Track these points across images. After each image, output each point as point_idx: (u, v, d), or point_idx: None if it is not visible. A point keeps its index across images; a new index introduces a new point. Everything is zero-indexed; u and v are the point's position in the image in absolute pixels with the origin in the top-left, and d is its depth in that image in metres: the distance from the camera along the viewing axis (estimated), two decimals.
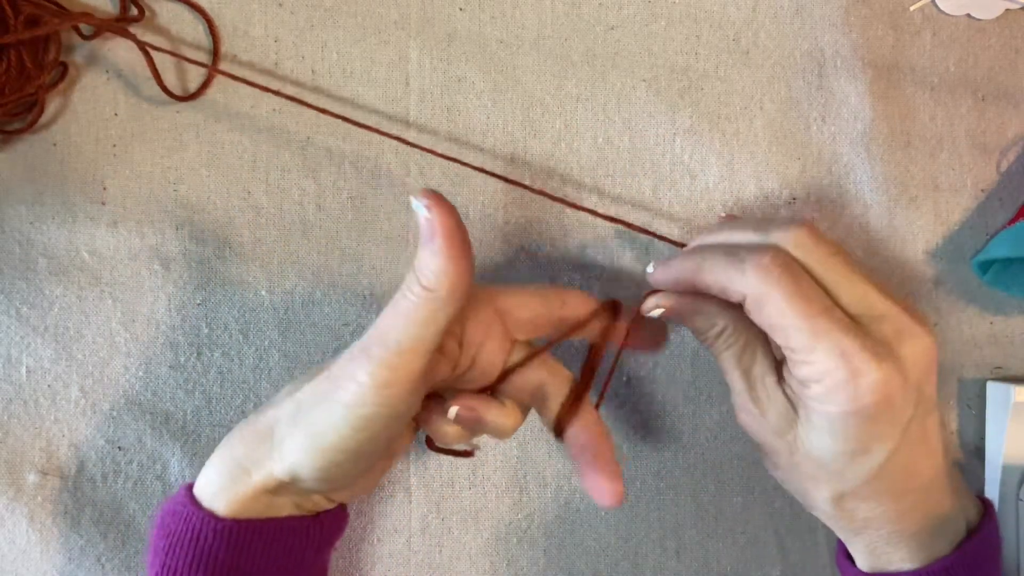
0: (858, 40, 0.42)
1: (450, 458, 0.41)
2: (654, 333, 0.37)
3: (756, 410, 0.33)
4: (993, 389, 0.42)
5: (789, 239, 0.32)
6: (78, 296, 0.40)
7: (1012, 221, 0.41)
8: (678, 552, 0.43)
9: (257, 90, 0.40)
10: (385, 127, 0.41)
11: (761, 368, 0.33)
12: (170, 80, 0.40)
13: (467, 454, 0.39)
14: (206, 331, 0.40)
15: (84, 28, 0.39)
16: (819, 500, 0.33)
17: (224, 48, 0.40)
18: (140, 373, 0.40)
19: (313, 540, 0.36)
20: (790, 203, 0.42)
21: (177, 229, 0.40)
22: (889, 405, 0.30)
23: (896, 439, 0.31)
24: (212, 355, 0.40)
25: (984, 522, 0.34)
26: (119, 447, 0.40)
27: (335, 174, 0.41)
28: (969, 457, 0.43)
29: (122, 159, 0.40)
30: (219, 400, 0.41)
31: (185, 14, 0.40)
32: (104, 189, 0.40)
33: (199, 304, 0.40)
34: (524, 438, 0.42)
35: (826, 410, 0.31)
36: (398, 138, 0.38)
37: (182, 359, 0.40)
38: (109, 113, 0.40)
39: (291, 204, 0.41)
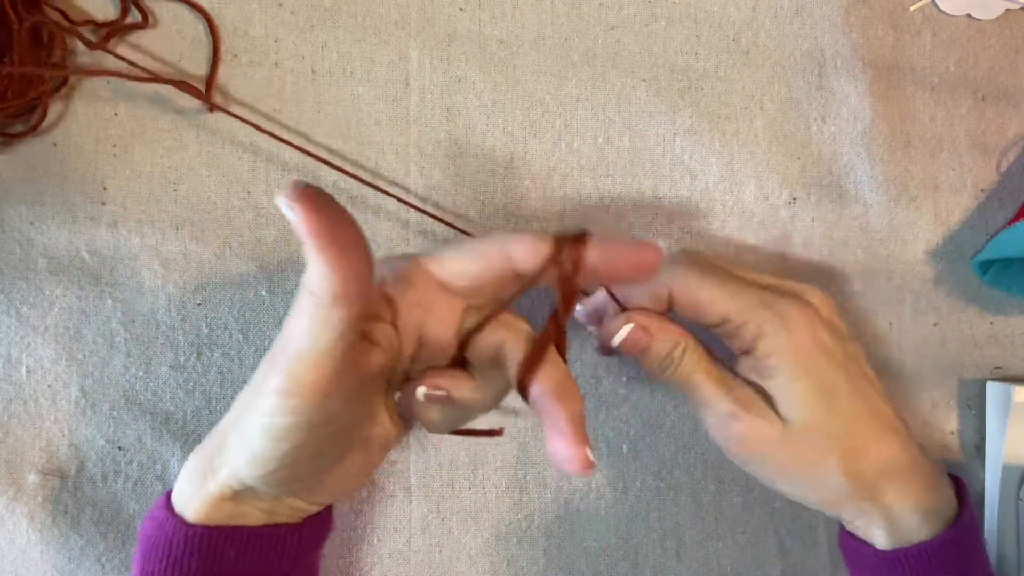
0: (858, 40, 0.42)
1: (450, 457, 0.41)
2: (634, 265, 0.31)
3: (741, 412, 0.35)
4: (993, 389, 0.42)
5: (679, 267, 0.35)
6: (78, 296, 0.40)
7: (1012, 221, 0.41)
8: (678, 552, 0.43)
9: (257, 90, 0.40)
10: (385, 127, 0.41)
11: (727, 373, 0.36)
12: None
13: (492, 433, 0.36)
14: (206, 331, 0.40)
15: (88, 32, 0.39)
16: (829, 476, 0.34)
17: (224, 48, 0.40)
18: (140, 373, 0.40)
19: (290, 549, 0.35)
20: (790, 203, 0.42)
21: (177, 229, 0.40)
22: (818, 337, 0.34)
23: (844, 371, 0.35)
24: (212, 355, 0.40)
25: (962, 493, 0.37)
26: (119, 447, 0.40)
27: (335, 174, 0.41)
28: (969, 457, 0.43)
29: (122, 159, 0.40)
30: (219, 400, 0.41)
31: (185, 14, 0.40)
32: (104, 189, 0.40)
33: (199, 304, 0.40)
34: (524, 438, 0.42)
35: (778, 360, 0.34)
36: (390, 194, 0.38)
37: (182, 359, 0.40)
38: (109, 113, 0.40)
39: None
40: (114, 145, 0.40)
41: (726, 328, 0.35)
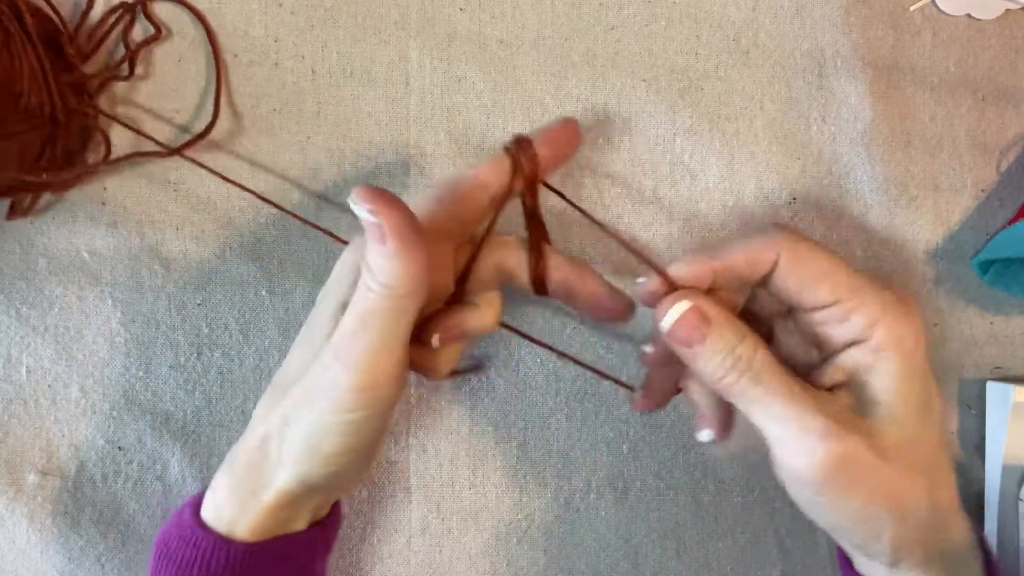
0: (858, 40, 0.42)
1: (450, 457, 0.41)
2: (569, 139, 0.36)
3: (839, 426, 0.28)
4: (993, 389, 0.42)
5: (787, 233, 0.32)
6: (78, 296, 0.40)
7: (1012, 221, 0.41)
8: (678, 552, 0.43)
9: (257, 90, 0.40)
10: (385, 127, 0.41)
11: (802, 383, 0.30)
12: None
13: (478, 369, 0.38)
14: (206, 331, 0.40)
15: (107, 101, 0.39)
16: (918, 505, 0.29)
17: (224, 48, 0.40)
18: (140, 373, 0.40)
19: (320, 549, 0.36)
20: (790, 203, 0.42)
21: (177, 229, 0.40)
22: (923, 352, 0.29)
23: (936, 390, 0.30)
24: (212, 355, 0.40)
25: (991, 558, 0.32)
26: (119, 447, 0.40)
27: (335, 174, 0.41)
28: (969, 457, 0.43)
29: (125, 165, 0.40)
30: (219, 400, 0.41)
31: (184, 16, 0.40)
32: (104, 189, 0.40)
33: (199, 304, 0.40)
34: (524, 438, 0.42)
35: (897, 353, 0.29)
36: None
37: (182, 359, 0.40)
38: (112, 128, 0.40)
39: (291, 204, 0.41)
40: (114, 145, 0.40)
41: (834, 311, 0.30)
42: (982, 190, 0.43)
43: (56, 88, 0.35)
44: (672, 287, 0.31)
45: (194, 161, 0.38)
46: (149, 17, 0.39)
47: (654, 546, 0.43)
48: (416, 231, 0.29)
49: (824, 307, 0.30)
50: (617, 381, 0.39)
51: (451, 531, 0.42)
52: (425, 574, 0.42)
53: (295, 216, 0.39)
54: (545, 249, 0.35)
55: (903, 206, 0.42)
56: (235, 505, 0.33)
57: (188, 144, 0.39)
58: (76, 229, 0.40)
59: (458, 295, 0.35)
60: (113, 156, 0.39)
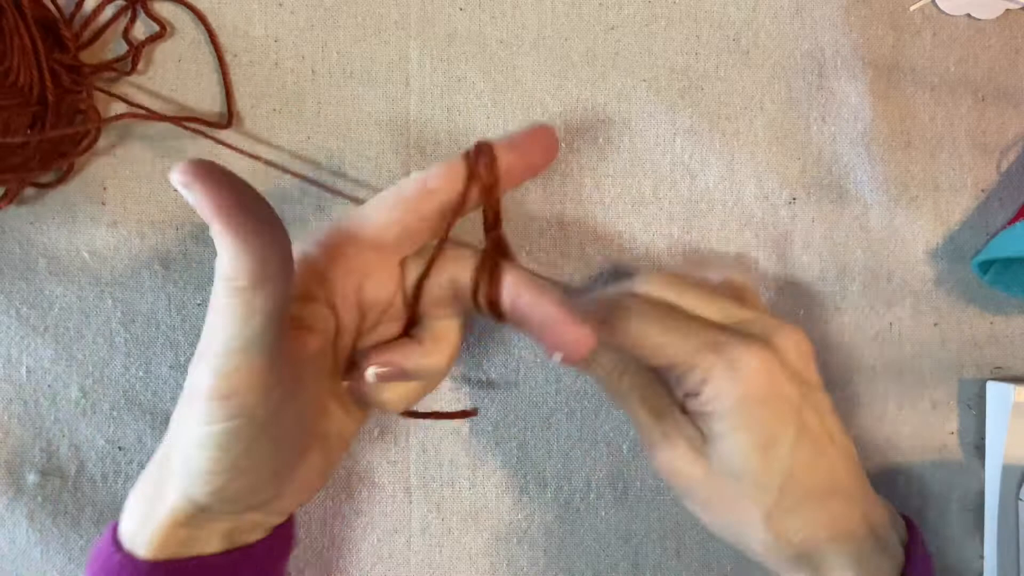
0: (858, 40, 0.42)
1: (450, 457, 0.41)
2: (541, 147, 0.32)
3: (667, 444, 0.33)
4: (993, 389, 0.42)
5: (641, 284, 0.34)
6: (78, 296, 0.40)
7: (1012, 221, 0.41)
8: (678, 552, 0.43)
9: (257, 89, 0.40)
10: (385, 127, 0.41)
11: (666, 402, 0.34)
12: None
13: (467, 414, 0.37)
14: None
15: (104, 81, 0.39)
16: (752, 529, 0.32)
17: (224, 48, 0.40)
18: (140, 373, 0.40)
19: (252, 573, 0.32)
20: (790, 203, 0.42)
21: (177, 229, 0.40)
22: (773, 387, 0.31)
23: (795, 424, 0.31)
24: None
25: (913, 539, 0.34)
26: (119, 447, 0.40)
27: (335, 174, 0.41)
28: (969, 457, 0.43)
29: (122, 159, 0.40)
30: None
31: (184, 15, 0.40)
32: (104, 189, 0.40)
33: (199, 304, 0.40)
34: (524, 438, 0.42)
35: (721, 407, 0.31)
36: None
37: (182, 359, 0.40)
38: (110, 109, 0.40)
39: (291, 204, 0.41)
40: (114, 145, 0.40)
41: (673, 373, 0.33)
42: (982, 190, 0.43)
43: (47, 68, 0.35)
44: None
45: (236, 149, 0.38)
46: (150, 14, 0.39)
47: (654, 546, 0.43)
48: (247, 210, 0.25)
49: (665, 370, 0.33)
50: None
51: (451, 531, 0.42)
52: (425, 574, 0.42)
53: (316, 183, 0.37)
54: (503, 267, 0.30)
55: (903, 206, 0.42)
56: (139, 516, 0.31)
57: (207, 123, 0.39)
58: (76, 229, 0.40)
59: (412, 319, 0.32)
60: (108, 144, 0.39)
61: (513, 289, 0.30)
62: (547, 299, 0.30)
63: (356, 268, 0.30)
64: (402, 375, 0.31)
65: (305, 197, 0.40)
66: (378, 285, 0.31)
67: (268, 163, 0.39)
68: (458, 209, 0.31)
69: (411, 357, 0.31)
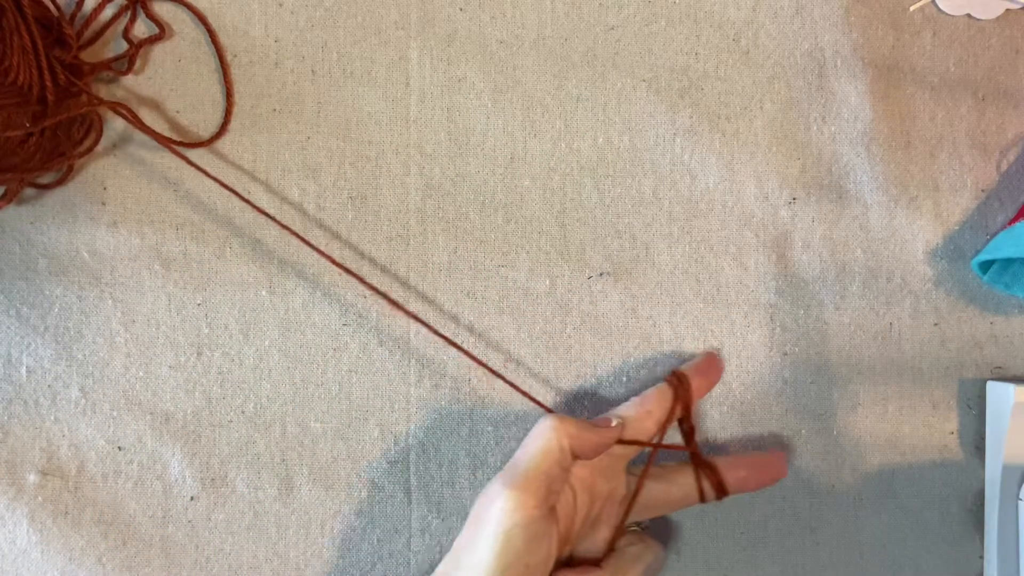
0: (858, 40, 0.42)
1: (450, 457, 0.42)
2: (716, 371, 0.41)
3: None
4: (993, 389, 0.42)
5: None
6: (78, 296, 0.40)
7: (1012, 221, 0.41)
8: (678, 552, 0.43)
9: (257, 89, 0.40)
10: (385, 127, 0.41)
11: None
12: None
13: None
14: (206, 331, 0.40)
15: (102, 79, 0.39)
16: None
17: (224, 48, 0.40)
18: (140, 373, 0.40)
19: None
20: (790, 203, 0.42)
21: (177, 229, 0.40)
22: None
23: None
24: (212, 355, 0.40)
25: None
26: (119, 447, 0.40)
27: (335, 174, 0.41)
28: (969, 457, 0.43)
29: (122, 159, 0.40)
30: (219, 400, 0.41)
31: (184, 15, 0.40)
32: (104, 189, 0.40)
33: (199, 304, 0.40)
34: (524, 438, 0.42)
35: None
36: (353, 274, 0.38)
37: (182, 359, 0.40)
38: (110, 113, 0.40)
39: (291, 204, 0.41)
40: (114, 145, 0.40)
41: None
42: (982, 190, 0.43)
43: (47, 67, 0.35)
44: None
45: (202, 170, 0.38)
46: (150, 15, 0.39)
47: None
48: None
49: None
50: (538, 403, 0.39)
51: (451, 531, 0.42)
52: (425, 574, 0.42)
53: (293, 233, 0.39)
54: (717, 465, 0.39)
55: (903, 206, 0.42)
56: None
57: (195, 145, 0.39)
58: (76, 229, 0.40)
59: (623, 522, 0.38)
60: (108, 144, 0.39)
61: (733, 476, 0.39)
62: (755, 463, 0.40)
63: (596, 465, 0.38)
64: None
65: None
66: (607, 480, 0.38)
67: (234, 193, 0.39)
68: (667, 424, 0.39)
69: None
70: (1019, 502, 0.41)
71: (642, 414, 0.38)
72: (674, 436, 0.40)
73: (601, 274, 0.42)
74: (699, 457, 0.40)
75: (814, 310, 0.42)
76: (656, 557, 0.38)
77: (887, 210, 0.42)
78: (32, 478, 0.40)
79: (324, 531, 0.41)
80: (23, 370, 0.40)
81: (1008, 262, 0.41)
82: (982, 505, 0.43)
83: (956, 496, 0.43)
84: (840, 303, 0.42)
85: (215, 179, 0.38)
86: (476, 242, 0.41)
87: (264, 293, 0.41)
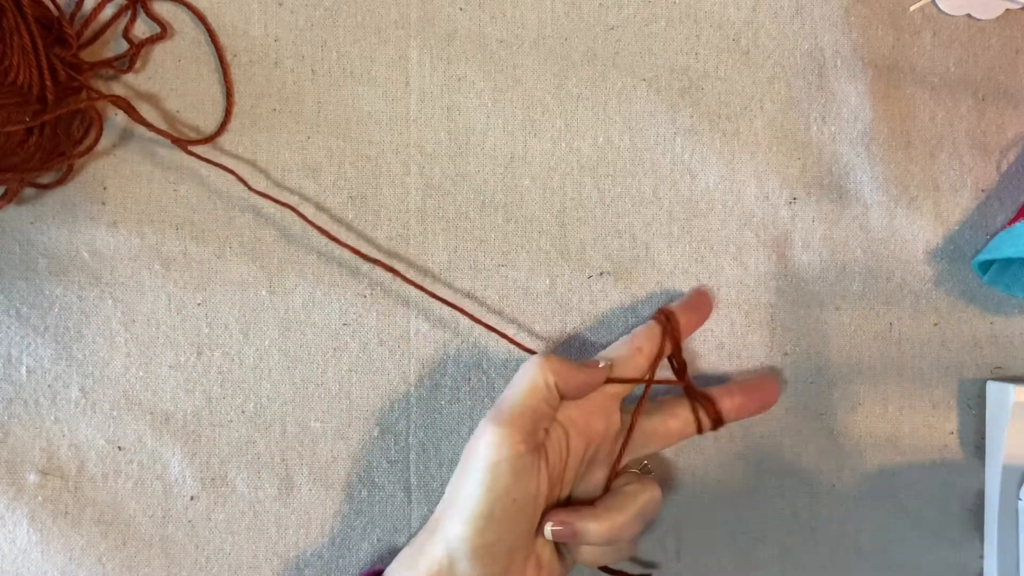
0: (858, 40, 0.42)
1: (450, 457, 0.41)
2: (707, 305, 0.41)
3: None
4: (993, 389, 0.42)
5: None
6: (78, 296, 0.40)
7: (1012, 221, 0.41)
8: (678, 552, 0.43)
9: (257, 89, 0.40)
10: (385, 127, 0.41)
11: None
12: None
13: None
14: (206, 331, 0.40)
15: (101, 77, 0.39)
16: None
17: (224, 48, 0.40)
18: (140, 373, 0.40)
19: None
20: (790, 203, 0.42)
21: (177, 229, 0.40)
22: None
23: None
24: (212, 355, 0.40)
25: None
26: (119, 447, 0.40)
27: (335, 174, 0.41)
28: (969, 457, 0.43)
29: (122, 159, 0.40)
30: (219, 400, 0.41)
31: (184, 15, 0.40)
32: (104, 189, 0.40)
33: (199, 304, 0.40)
34: None
35: None
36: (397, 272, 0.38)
37: (182, 359, 0.40)
38: (110, 113, 0.40)
39: (291, 204, 0.41)
40: (114, 145, 0.40)
41: None
42: (982, 190, 0.43)
43: (47, 67, 0.35)
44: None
45: (199, 157, 0.38)
46: (151, 14, 0.39)
47: (654, 546, 0.43)
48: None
49: None
50: (521, 346, 0.40)
51: None
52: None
53: (319, 228, 0.39)
54: (712, 395, 0.39)
55: (903, 206, 0.42)
56: (404, 565, 0.36)
57: (195, 142, 0.39)
58: (76, 229, 0.40)
59: (618, 463, 0.38)
60: (108, 144, 0.39)
61: (729, 403, 0.39)
62: (748, 387, 0.40)
63: (589, 405, 0.38)
64: (573, 536, 0.36)
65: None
66: (601, 419, 0.38)
67: (238, 178, 0.39)
68: (657, 360, 0.39)
69: (583, 519, 0.36)
70: (1019, 502, 0.41)
71: (632, 351, 0.38)
72: (666, 375, 0.41)
73: (601, 274, 0.42)
74: (693, 389, 0.39)
75: (814, 310, 0.42)
76: (652, 497, 0.37)
77: (887, 210, 0.42)
78: (32, 478, 0.40)
79: (324, 531, 0.41)
80: (23, 370, 0.40)
81: (1008, 262, 0.41)
82: (982, 505, 0.43)
83: (956, 496, 0.43)
84: (840, 303, 0.42)
85: (218, 165, 0.38)
86: (476, 242, 0.41)
87: (264, 293, 0.41)
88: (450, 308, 0.40)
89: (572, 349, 0.41)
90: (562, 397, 0.36)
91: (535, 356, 0.36)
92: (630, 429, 0.38)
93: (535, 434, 0.35)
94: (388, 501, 0.42)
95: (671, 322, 0.39)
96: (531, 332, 0.41)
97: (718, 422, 0.39)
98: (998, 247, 0.40)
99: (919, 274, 0.42)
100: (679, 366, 0.40)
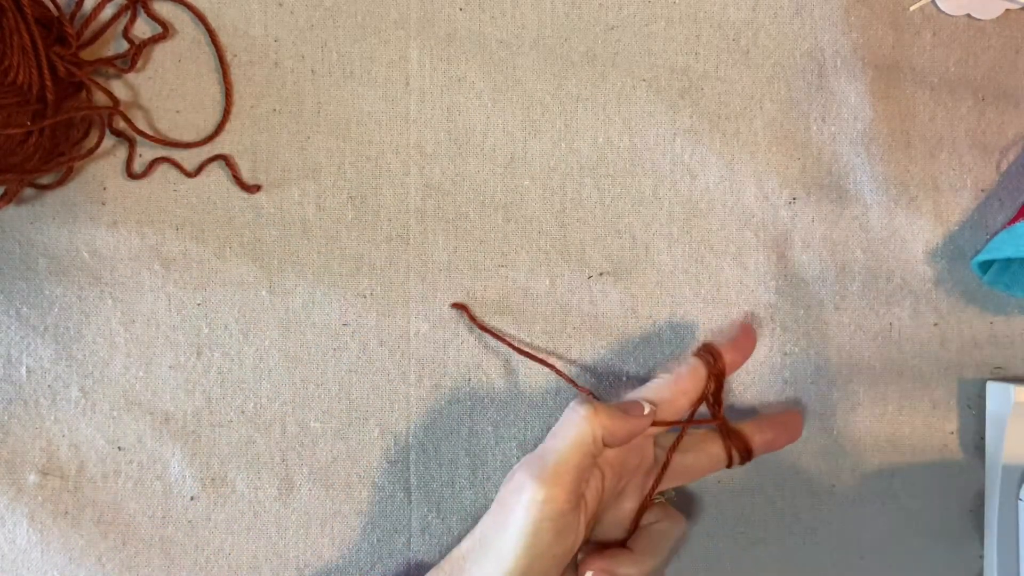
0: (858, 40, 0.42)
1: (450, 457, 0.41)
2: (750, 341, 0.40)
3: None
4: (993, 389, 0.42)
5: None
6: (78, 296, 0.40)
7: (1012, 221, 0.41)
8: (678, 553, 0.42)
9: (257, 89, 0.40)
10: (385, 127, 0.41)
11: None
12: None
13: None
14: (206, 331, 0.40)
15: (103, 75, 0.39)
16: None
17: (224, 48, 0.40)
18: (140, 373, 0.40)
19: None
20: (790, 203, 0.42)
21: (177, 229, 0.40)
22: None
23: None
24: (212, 355, 0.40)
25: None
26: (119, 447, 0.40)
27: (335, 174, 0.41)
28: (969, 457, 0.43)
29: (122, 159, 0.40)
30: (219, 400, 0.41)
31: (184, 15, 0.40)
32: (104, 189, 0.40)
33: (199, 304, 0.40)
34: (524, 438, 0.42)
35: None
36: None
37: (182, 359, 0.40)
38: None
39: (291, 204, 0.41)
40: (114, 145, 0.40)
41: None
42: (982, 190, 0.43)
43: (47, 66, 0.35)
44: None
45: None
46: (151, 14, 0.39)
47: None
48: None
49: None
50: (578, 386, 0.40)
51: (451, 531, 0.42)
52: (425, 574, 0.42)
53: (555, 370, 0.41)
54: (743, 430, 0.39)
55: (903, 206, 0.42)
56: None
57: (191, 145, 0.39)
58: (76, 229, 0.40)
59: (650, 496, 0.38)
60: (108, 145, 0.39)
61: (760, 439, 0.39)
62: (776, 423, 0.40)
63: (626, 444, 0.37)
64: None
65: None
66: (635, 455, 0.38)
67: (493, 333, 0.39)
68: (700, 401, 0.38)
69: (623, 565, 0.36)
70: (1019, 502, 0.41)
71: (675, 394, 0.38)
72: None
73: (601, 274, 0.42)
74: (728, 427, 0.39)
75: (814, 310, 0.42)
76: (682, 531, 0.38)
77: (887, 210, 0.42)
78: (32, 478, 0.40)
79: (324, 531, 0.41)
80: (23, 370, 0.40)
81: (1008, 262, 0.41)
82: (982, 505, 0.43)
83: (956, 496, 0.43)
84: (840, 303, 0.42)
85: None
86: (476, 242, 0.41)
87: (264, 293, 0.41)
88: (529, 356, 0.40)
89: (572, 350, 0.41)
90: (606, 446, 0.36)
91: (582, 408, 0.35)
92: (664, 465, 0.38)
93: (579, 491, 0.35)
94: (388, 501, 0.42)
95: (717, 363, 0.39)
96: (531, 332, 0.41)
97: (747, 457, 0.39)
98: (998, 247, 0.40)
99: (919, 274, 0.42)
100: (717, 404, 0.39)
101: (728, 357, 0.39)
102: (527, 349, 0.40)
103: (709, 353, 0.39)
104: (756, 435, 0.39)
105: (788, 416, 0.41)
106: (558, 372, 0.40)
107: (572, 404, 0.36)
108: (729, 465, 0.39)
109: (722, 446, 0.39)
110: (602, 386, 0.42)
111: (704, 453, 0.39)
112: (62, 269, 0.40)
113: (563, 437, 0.35)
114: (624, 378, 0.42)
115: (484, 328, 0.40)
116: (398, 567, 0.41)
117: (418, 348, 0.41)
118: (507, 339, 0.40)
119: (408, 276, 0.41)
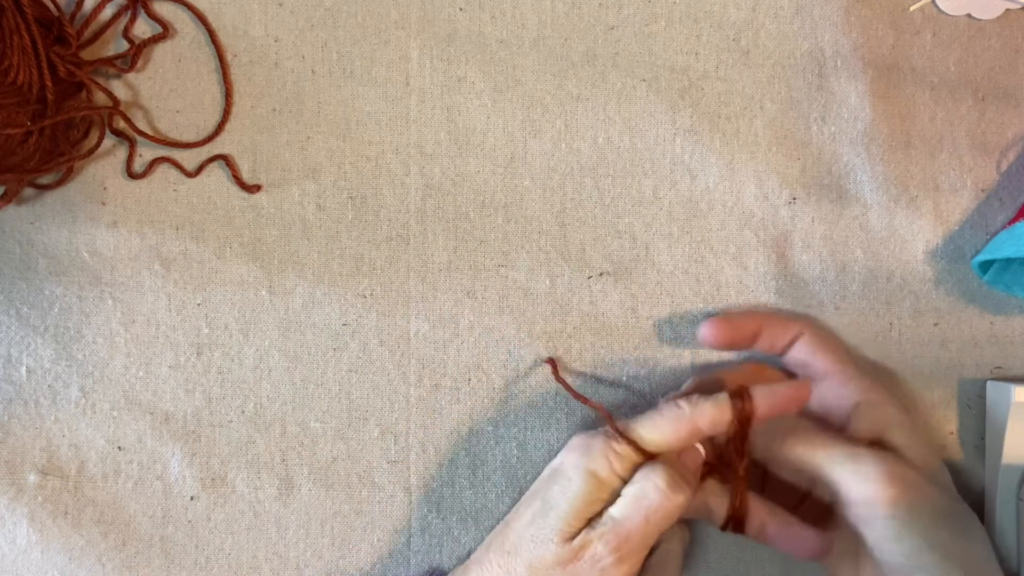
0: (858, 40, 0.42)
1: (450, 457, 0.42)
2: (795, 401, 0.37)
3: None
4: (993, 389, 0.42)
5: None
6: (78, 296, 0.40)
7: (1012, 221, 0.41)
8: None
9: (257, 89, 0.40)
10: (385, 127, 0.41)
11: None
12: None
13: None
14: (206, 331, 0.40)
15: (102, 74, 0.39)
16: None
17: (224, 48, 0.40)
18: (140, 373, 0.40)
19: None
20: (790, 203, 0.42)
21: (177, 229, 0.40)
22: (907, 486, 0.36)
23: (929, 511, 0.36)
24: (212, 355, 0.40)
25: None
26: (119, 447, 0.40)
27: (335, 174, 0.41)
28: (969, 457, 0.43)
29: (122, 159, 0.40)
30: (219, 400, 0.41)
31: (184, 15, 0.40)
32: (104, 189, 0.40)
33: (199, 304, 0.40)
34: (524, 438, 0.42)
35: (879, 511, 0.35)
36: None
37: (182, 359, 0.40)
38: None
39: (291, 204, 0.41)
40: (114, 145, 0.40)
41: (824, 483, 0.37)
42: (982, 190, 0.43)
43: (47, 66, 0.35)
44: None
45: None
46: (151, 14, 0.39)
47: None
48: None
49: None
50: (614, 427, 0.38)
51: (451, 531, 0.42)
52: (425, 574, 0.42)
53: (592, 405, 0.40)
54: (750, 502, 0.38)
55: (903, 206, 0.42)
56: None
57: (191, 145, 0.39)
58: (76, 229, 0.40)
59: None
60: (108, 144, 0.39)
61: (759, 513, 0.38)
62: (783, 522, 0.38)
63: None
64: None
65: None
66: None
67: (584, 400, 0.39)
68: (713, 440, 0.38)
69: None
70: (1019, 502, 0.41)
71: (692, 433, 0.36)
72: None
73: (601, 274, 0.42)
74: (743, 495, 0.37)
75: (814, 310, 0.42)
76: (685, 543, 0.40)
77: (887, 210, 0.42)
78: (32, 478, 0.40)
79: (324, 531, 0.41)
80: (23, 370, 0.40)
81: (1008, 262, 0.41)
82: (982, 505, 0.43)
83: None
84: (840, 303, 0.42)
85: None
86: (476, 242, 0.41)
87: (264, 293, 0.41)
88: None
89: (572, 350, 0.41)
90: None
91: (666, 491, 0.35)
92: None
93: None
94: (388, 501, 0.42)
95: (745, 406, 0.35)
96: (531, 333, 0.41)
97: (739, 528, 0.38)
98: (998, 247, 0.40)
99: (919, 274, 0.42)
100: (737, 455, 0.37)
101: (763, 403, 0.36)
102: (604, 407, 0.38)
103: (743, 393, 0.36)
104: (756, 520, 0.38)
105: (799, 530, 0.38)
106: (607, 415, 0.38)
107: (649, 480, 0.35)
108: (722, 528, 0.38)
109: (723, 503, 0.38)
110: (602, 387, 0.42)
111: (704, 506, 0.38)
112: (62, 269, 0.40)
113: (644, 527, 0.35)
114: (624, 378, 0.42)
115: (568, 387, 0.40)
116: (420, 570, 0.42)
117: (418, 348, 0.41)
118: (592, 402, 0.40)
119: (408, 276, 0.41)
